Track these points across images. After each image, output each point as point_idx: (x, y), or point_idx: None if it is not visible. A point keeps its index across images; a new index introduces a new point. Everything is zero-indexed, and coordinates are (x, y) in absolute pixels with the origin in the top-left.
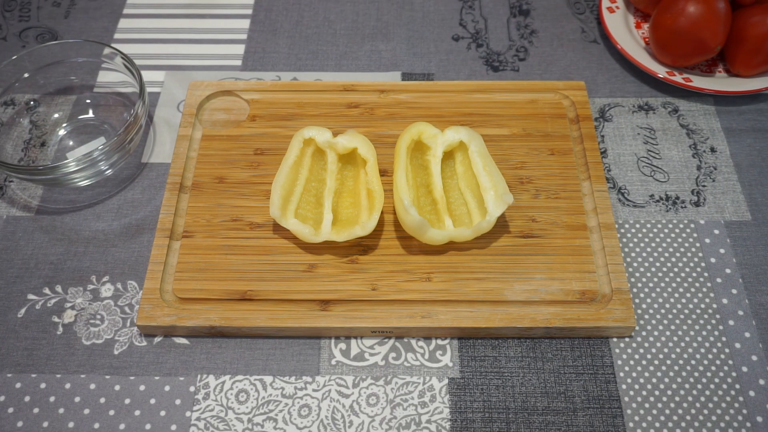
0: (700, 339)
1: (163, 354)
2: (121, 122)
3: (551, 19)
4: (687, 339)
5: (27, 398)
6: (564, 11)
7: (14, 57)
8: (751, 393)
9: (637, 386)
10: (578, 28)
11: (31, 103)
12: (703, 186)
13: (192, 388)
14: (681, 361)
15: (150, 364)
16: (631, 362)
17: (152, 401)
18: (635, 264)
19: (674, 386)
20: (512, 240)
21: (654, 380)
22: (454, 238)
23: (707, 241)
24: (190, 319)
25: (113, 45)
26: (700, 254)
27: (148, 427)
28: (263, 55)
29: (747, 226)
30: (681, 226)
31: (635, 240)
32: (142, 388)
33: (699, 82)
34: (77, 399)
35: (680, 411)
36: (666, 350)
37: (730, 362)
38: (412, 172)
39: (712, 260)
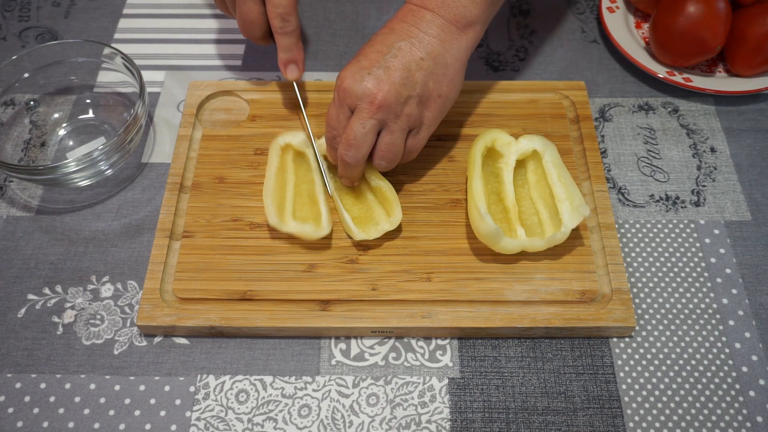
0: (700, 339)
1: (163, 354)
2: (121, 122)
3: (551, 19)
4: (687, 339)
5: (27, 398)
6: (564, 11)
7: (14, 57)
8: (751, 393)
9: (637, 386)
10: (578, 28)
11: (31, 103)
12: (703, 186)
13: (192, 388)
14: (681, 361)
15: (150, 364)
16: (631, 362)
17: (152, 401)
18: (635, 264)
19: (674, 386)
20: None
21: (654, 380)
22: (526, 248)
23: (707, 241)
24: (190, 319)
25: (113, 45)
26: (700, 254)
27: (148, 427)
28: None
29: (747, 226)
30: (681, 226)
31: (635, 240)
32: (142, 388)
33: (699, 82)
34: (77, 399)
35: (680, 411)
36: (666, 350)
37: (730, 362)
38: (483, 179)
39: (712, 260)
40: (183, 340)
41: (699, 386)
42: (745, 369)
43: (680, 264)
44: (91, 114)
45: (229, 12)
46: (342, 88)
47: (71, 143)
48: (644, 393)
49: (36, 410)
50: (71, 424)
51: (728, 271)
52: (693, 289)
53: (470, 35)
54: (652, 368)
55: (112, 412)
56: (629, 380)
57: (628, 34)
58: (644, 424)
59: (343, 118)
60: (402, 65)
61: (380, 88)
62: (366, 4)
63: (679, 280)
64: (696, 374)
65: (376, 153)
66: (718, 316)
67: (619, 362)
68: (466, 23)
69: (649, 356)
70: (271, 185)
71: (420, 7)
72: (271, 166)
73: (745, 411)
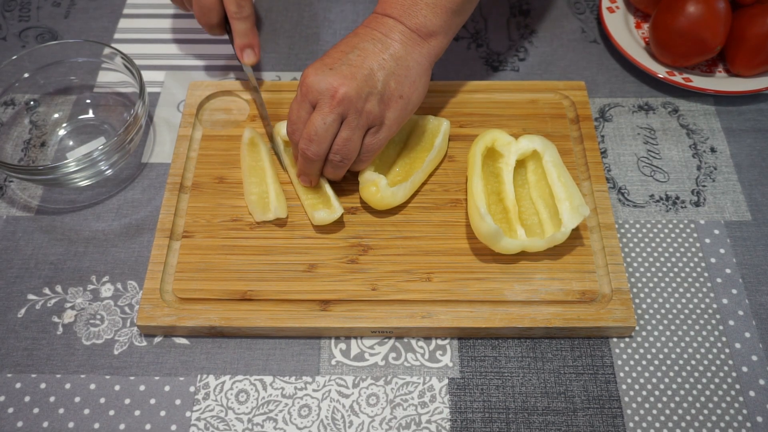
0: (700, 339)
1: (163, 354)
2: (121, 122)
3: (551, 19)
4: (687, 339)
5: (27, 398)
6: (564, 11)
7: (14, 57)
8: (751, 393)
9: (637, 386)
10: (578, 28)
11: (31, 103)
12: (703, 186)
13: (192, 388)
14: (681, 361)
15: (150, 364)
16: (631, 362)
17: (152, 401)
18: (635, 264)
19: (674, 386)
20: None
21: (654, 380)
22: (527, 248)
23: (707, 241)
24: (190, 319)
25: (113, 45)
26: (700, 254)
27: (148, 427)
28: (263, 55)
29: (747, 226)
30: (681, 226)
31: (635, 240)
32: (142, 388)
33: (699, 82)
34: (77, 399)
35: (680, 411)
36: (666, 350)
37: (730, 362)
38: (483, 179)
39: (712, 260)
40: (183, 340)
41: (699, 386)
42: (745, 369)
43: (680, 264)
44: (91, 114)
45: (185, 6)
46: (305, 84)
47: (71, 143)
48: (644, 393)
49: (36, 410)
50: (71, 424)
51: (728, 271)
52: (693, 289)
53: (432, 44)
54: (652, 368)
55: (112, 412)
56: (629, 380)
57: (628, 34)
58: (644, 424)
59: (304, 114)
60: (364, 63)
61: (342, 83)
62: (366, 4)
63: (679, 280)
64: (696, 374)
65: (333, 147)
66: (718, 316)
67: (619, 362)
68: (427, 32)
69: (649, 356)
70: (247, 183)
71: (383, 15)
72: (243, 165)
73: (745, 411)
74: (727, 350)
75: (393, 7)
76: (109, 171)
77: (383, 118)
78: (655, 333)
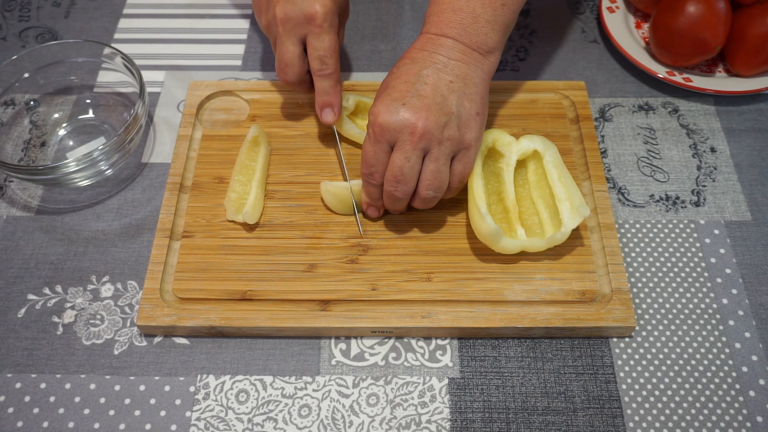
0: (700, 339)
1: (163, 354)
2: (121, 122)
3: (551, 19)
4: (687, 339)
5: (27, 398)
6: (564, 11)
7: (14, 57)
8: (751, 393)
9: (637, 386)
10: (578, 28)
11: (31, 103)
12: (703, 186)
13: (192, 388)
14: (681, 361)
15: (150, 364)
16: (631, 362)
17: (152, 401)
18: (635, 264)
19: (674, 386)
20: None
21: (654, 380)
22: (526, 248)
23: (707, 241)
24: (190, 319)
25: (113, 45)
26: (700, 254)
27: (148, 427)
28: (263, 55)
29: (747, 226)
30: (681, 226)
31: (635, 240)
32: (142, 388)
33: (699, 82)
34: (77, 399)
35: (680, 411)
36: (666, 350)
37: (730, 362)
38: (484, 179)
39: (712, 260)
40: (183, 340)
41: (699, 386)
42: (745, 369)
43: (680, 264)
44: (91, 114)
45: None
46: (377, 124)
47: (71, 143)
48: (644, 393)
49: (36, 410)
50: (71, 424)
51: (728, 271)
52: (693, 289)
53: (492, 60)
54: (652, 368)
55: (112, 412)
56: (629, 380)
57: (628, 34)
58: (644, 424)
59: (381, 154)
60: (434, 91)
61: (418, 117)
62: (366, 4)
63: (679, 280)
64: (696, 374)
65: (421, 184)
66: (718, 316)
67: (619, 362)
68: (487, 50)
69: (649, 356)
70: (233, 180)
71: (440, 36)
72: (237, 160)
73: (745, 411)
74: (727, 350)
75: (450, 27)
76: (109, 171)
77: (466, 141)
78: (655, 333)
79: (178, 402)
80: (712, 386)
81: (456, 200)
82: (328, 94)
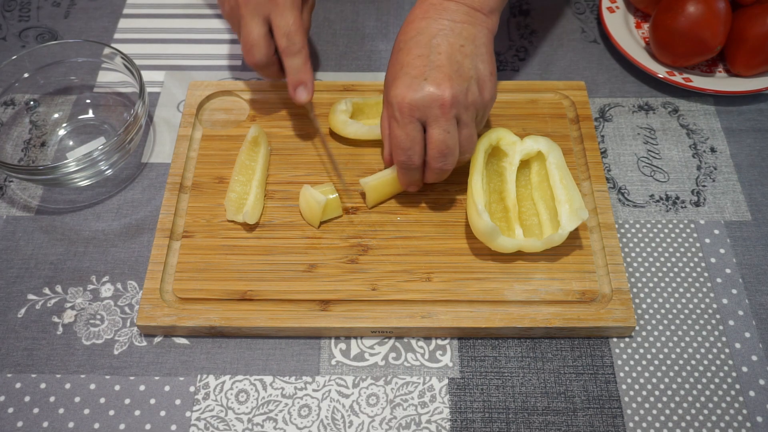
0: (700, 339)
1: (163, 354)
2: (121, 122)
3: (551, 19)
4: (687, 339)
5: (27, 398)
6: (564, 11)
7: (14, 57)
8: (751, 393)
9: (637, 386)
10: (578, 28)
11: (31, 103)
12: (703, 186)
13: (192, 388)
14: (681, 361)
15: (150, 364)
16: (631, 362)
17: (152, 401)
18: (635, 264)
19: (674, 386)
20: None
21: (654, 380)
22: (523, 248)
23: (707, 241)
24: (190, 319)
25: (113, 45)
26: (700, 254)
27: (148, 427)
28: None
29: (747, 226)
30: (681, 226)
31: (635, 240)
32: (142, 388)
33: (699, 82)
34: (77, 399)
35: (680, 411)
36: (666, 350)
37: (730, 362)
38: (486, 177)
39: (712, 260)
40: (183, 340)
41: (699, 386)
42: (745, 369)
43: (680, 264)
44: (91, 114)
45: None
46: (405, 105)
47: (71, 143)
48: (644, 393)
49: (36, 410)
50: (71, 424)
51: (728, 271)
52: (693, 289)
53: (493, 20)
54: (652, 368)
55: (112, 412)
56: (629, 380)
57: (628, 34)
58: (644, 424)
59: (415, 134)
60: (449, 59)
61: (444, 87)
62: (366, 4)
63: (679, 280)
64: (696, 374)
65: (459, 151)
66: (718, 316)
67: (619, 362)
68: (489, 9)
69: (649, 356)
70: (233, 180)
71: (442, 0)
72: (237, 160)
73: (745, 411)
74: (727, 350)
75: None
76: (109, 171)
77: (485, 101)
78: (655, 333)
79: (178, 402)
80: (712, 386)
81: (456, 200)
82: (300, 71)
